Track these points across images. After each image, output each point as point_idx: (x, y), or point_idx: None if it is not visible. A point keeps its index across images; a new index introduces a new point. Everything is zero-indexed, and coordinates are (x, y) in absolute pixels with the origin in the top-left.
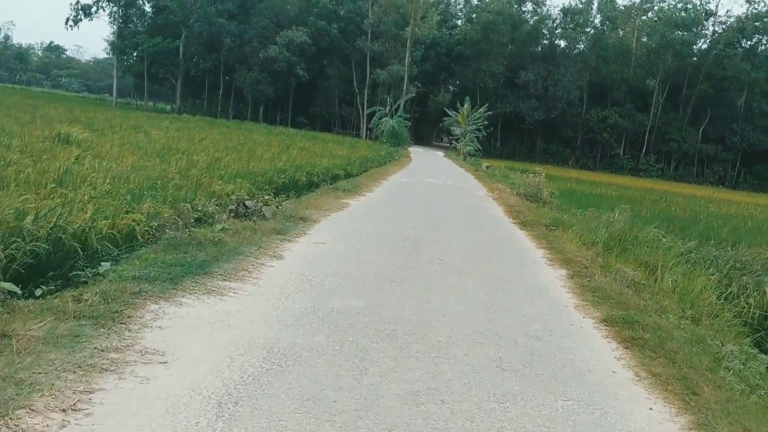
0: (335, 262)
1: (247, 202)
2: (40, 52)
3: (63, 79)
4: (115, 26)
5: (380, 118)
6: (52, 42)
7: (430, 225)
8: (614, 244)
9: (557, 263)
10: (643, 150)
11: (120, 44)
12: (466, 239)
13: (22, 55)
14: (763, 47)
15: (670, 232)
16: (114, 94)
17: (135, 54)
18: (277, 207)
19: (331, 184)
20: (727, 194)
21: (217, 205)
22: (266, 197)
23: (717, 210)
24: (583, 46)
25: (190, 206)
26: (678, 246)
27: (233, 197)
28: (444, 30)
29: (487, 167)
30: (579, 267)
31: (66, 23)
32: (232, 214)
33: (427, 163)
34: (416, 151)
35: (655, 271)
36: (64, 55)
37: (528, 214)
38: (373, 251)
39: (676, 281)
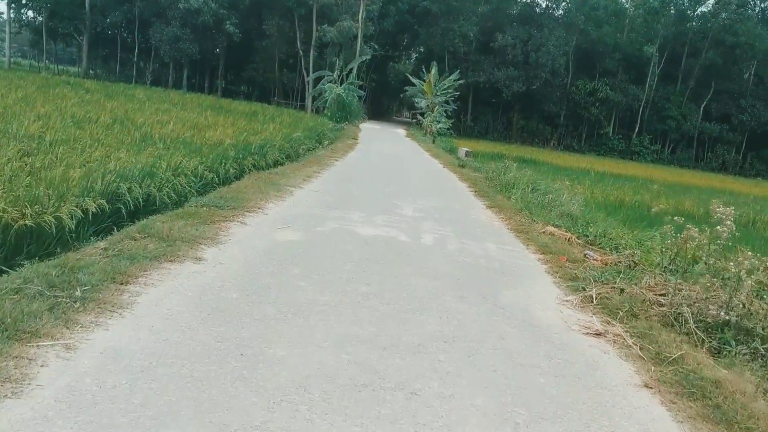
0: None
1: None
2: None
3: None
4: None
5: (325, 85)
6: None
7: None
8: None
9: None
10: (636, 129)
11: None
12: None
13: None
14: None
15: None
16: (7, 54)
17: (30, 4)
18: None
19: None
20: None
21: None
22: None
23: None
24: (568, 3)
25: None
26: None
27: None
28: None
29: (467, 154)
30: None
31: None
32: None
33: (380, 150)
34: (370, 129)
35: None
36: None
37: None
38: None
39: None
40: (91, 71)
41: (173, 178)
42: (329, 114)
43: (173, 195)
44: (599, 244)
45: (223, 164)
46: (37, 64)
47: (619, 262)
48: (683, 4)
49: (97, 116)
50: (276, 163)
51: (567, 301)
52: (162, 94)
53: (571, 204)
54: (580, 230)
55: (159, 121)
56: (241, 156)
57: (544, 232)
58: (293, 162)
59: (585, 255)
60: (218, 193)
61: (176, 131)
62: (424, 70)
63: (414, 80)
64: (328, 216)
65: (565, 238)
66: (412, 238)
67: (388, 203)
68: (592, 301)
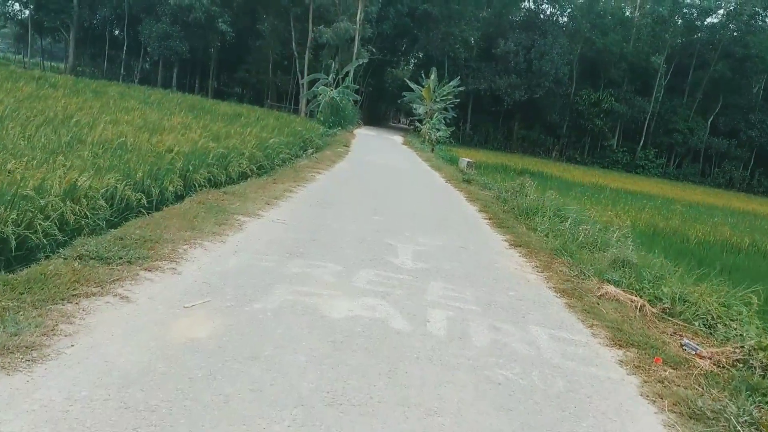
0: None
1: None
2: None
3: None
4: None
5: (318, 88)
6: None
7: None
8: None
9: None
10: (641, 142)
11: None
12: None
13: None
14: None
15: None
16: None
17: None
18: None
19: None
20: None
21: None
22: None
23: None
24: (573, 10)
25: None
26: None
27: None
28: None
29: (469, 165)
30: None
31: None
32: None
33: (374, 161)
34: (364, 135)
35: None
36: None
37: None
38: None
39: None
40: (78, 68)
41: (62, 204)
42: (321, 118)
43: (57, 232)
44: (681, 314)
45: (160, 181)
46: (23, 59)
47: (738, 360)
48: (691, 15)
49: (33, 114)
50: (242, 177)
51: None
52: (140, 92)
53: (618, 240)
54: (650, 290)
55: (113, 120)
56: (191, 168)
57: (602, 295)
58: (264, 175)
59: (682, 346)
60: (124, 229)
61: (122, 134)
62: (422, 75)
63: (412, 85)
64: (281, 273)
65: (635, 305)
66: (413, 323)
67: (377, 244)
68: None
